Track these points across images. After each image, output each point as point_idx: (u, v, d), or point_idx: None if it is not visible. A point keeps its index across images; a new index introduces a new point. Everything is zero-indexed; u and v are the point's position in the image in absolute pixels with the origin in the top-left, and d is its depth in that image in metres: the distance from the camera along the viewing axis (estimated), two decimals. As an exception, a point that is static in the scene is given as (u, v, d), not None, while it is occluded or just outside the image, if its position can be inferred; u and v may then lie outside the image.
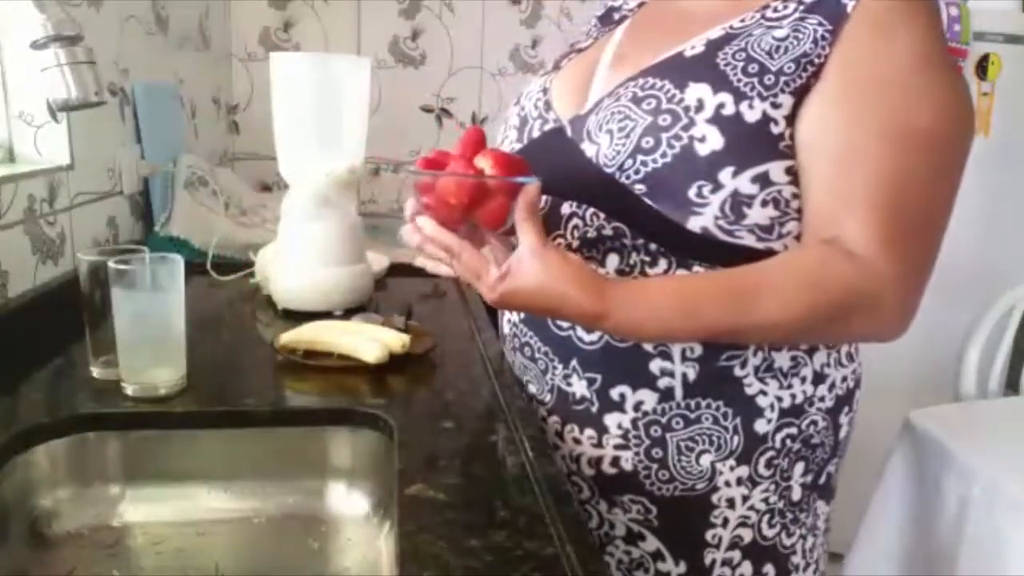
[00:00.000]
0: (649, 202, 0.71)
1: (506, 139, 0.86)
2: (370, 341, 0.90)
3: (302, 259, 1.11)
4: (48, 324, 0.96)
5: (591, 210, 0.75)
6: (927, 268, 0.69)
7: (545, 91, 0.83)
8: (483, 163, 0.69)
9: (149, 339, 0.80)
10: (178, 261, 0.80)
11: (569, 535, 0.58)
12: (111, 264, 0.78)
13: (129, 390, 0.80)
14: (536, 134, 0.81)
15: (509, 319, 0.87)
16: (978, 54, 1.95)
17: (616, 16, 0.90)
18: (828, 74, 0.67)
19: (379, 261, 1.34)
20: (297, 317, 1.07)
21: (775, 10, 0.70)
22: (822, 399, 0.77)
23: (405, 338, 0.92)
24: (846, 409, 0.80)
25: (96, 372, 0.85)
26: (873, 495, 1.64)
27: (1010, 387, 1.98)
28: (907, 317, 0.69)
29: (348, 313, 1.09)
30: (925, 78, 0.66)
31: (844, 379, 0.79)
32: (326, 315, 1.08)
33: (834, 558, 1.99)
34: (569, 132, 0.77)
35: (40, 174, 1.07)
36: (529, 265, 0.66)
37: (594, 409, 0.77)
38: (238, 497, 0.81)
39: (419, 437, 0.74)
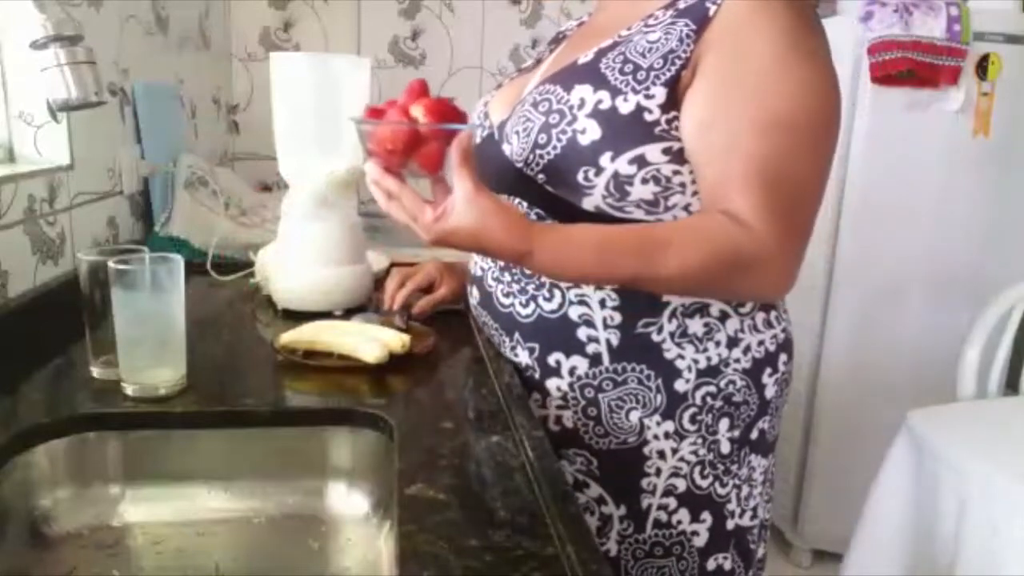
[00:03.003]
0: (550, 189, 0.83)
1: None
2: (370, 341, 0.90)
3: (302, 259, 1.11)
4: (48, 324, 0.96)
5: (517, 200, 0.87)
6: (803, 235, 0.78)
7: (486, 103, 0.97)
8: (416, 111, 0.75)
9: (149, 339, 0.80)
10: (178, 261, 0.80)
11: (569, 535, 0.58)
12: (111, 264, 0.78)
13: (129, 390, 0.80)
14: (478, 140, 0.93)
15: (471, 303, 0.98)
16: (978, 54, 1.94)
17: (560, 36, 1.03)
18: (702, 73, 0.77)
19: (379, 261, 1.34)
20: (297, 317, 1.07)
21: (655, 18, 0.81)
22: (738, 361, 0.85)
23: (405, 338, 0.92)
24: (768, 370, 0.87)
25: (96, 372, 0.85)
26: (871, 494, 1.64)
27: (1009, 387, 1.98)
28: (788, 278, 0.78)
29: (348, 313, 1.09)
30: (780, 71, 0.75)
31: (761, 343, 0.87)
32: (326, 315, 1.08)
33: (834, 558, 2.00)
34: (496, 136, 0.89)
35: (40, 174, 1.07)
36: (463, 208, 0.73)
37: (536, 375, 0.88)
38: (238, 497, 0.81)
39: (419, 437, 0.74)
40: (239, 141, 2.26)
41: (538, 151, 0.82)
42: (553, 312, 0.86)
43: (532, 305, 0.87)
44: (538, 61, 0.99)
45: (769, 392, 0.88)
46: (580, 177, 0.80)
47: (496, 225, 0.73)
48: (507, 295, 0.89)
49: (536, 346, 0.87)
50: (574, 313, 0.85)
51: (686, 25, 0.78)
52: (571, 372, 0.86)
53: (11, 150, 1.13)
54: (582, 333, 0.85)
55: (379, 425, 0.79)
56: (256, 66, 2.23)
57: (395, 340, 0.91)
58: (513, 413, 0.79)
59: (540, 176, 0.83)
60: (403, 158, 0.75)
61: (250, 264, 1.22)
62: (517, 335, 0.89)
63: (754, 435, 0.88)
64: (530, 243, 0.74)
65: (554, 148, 0.80)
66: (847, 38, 1.94)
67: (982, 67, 1.95)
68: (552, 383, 0.87)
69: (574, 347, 0.85)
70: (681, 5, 0.80)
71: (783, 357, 0.89)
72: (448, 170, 0.76)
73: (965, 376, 1.75)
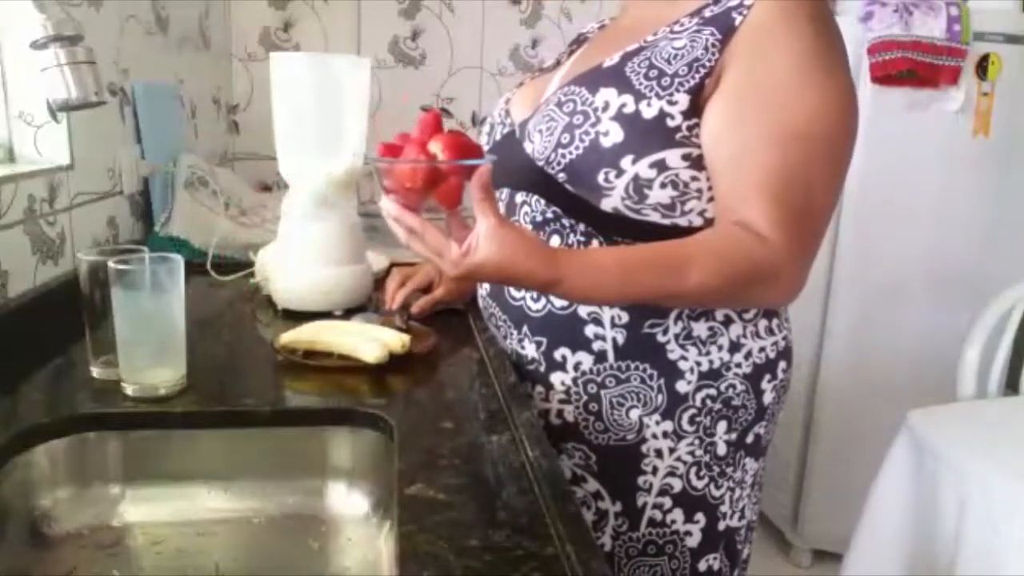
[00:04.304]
0: (570, 188, 0.84)
1: (481, 143, 0.98)
2: (370, 341, 0.90)
3: (302, 259, 1.11)
4: (48, 324, 0.96)
5: (535, 197, 0.88)
6: (814, 245, 0.79)
7: (507, 101, 0.98)
8: (435, 148, 0.74)
9: (149, 339, 0.80)
10: (178, 261, 0.80)
11: (569, 535, 0.58)
12: (111, 264, 0.78)
13: (129, 390, 0.80)
14: (498, 138, 0.95)
15: (480, 293, 0.99)
16: (978, 54, 1.94)
17: (581, 38, 1.05)
18: (723, 83, 0.78)
19: (379, 261, 1.34)
20: (297, 317, 1.07)
21: (681, 25, 0.82)
22: (739, 365, 0.87)
23: (405, 338, 0.92)
24: (768, 377, 0.89)
25: (96, 372, 0.85)
26: (871, 494, 1.64)
27: (1009, 387, 1.98)
28: (798, 287, 0.79)
29: (348, 313, 1.09)
30: (799, 84, 0.77)
31: (762, 349, 0.88)
32: (326, 315, 1.08)
33: (834, 558, 2.00)
34: (517, 134, 0.91)
35: (40, 174, 1.07)
36: (489, 243, 0.72)
37: (542, 368, 0.89)
38: (238, 497, 0.81)
39: (419, 437, 0.74)
40: (239, 141, 2.26)
41: (560, 150, 0.83)
42: (563, 308, 0.87)
43: (543, 300, 0.88)
44: (558, 62, 1.01)
45: (767, 398, 0.89)
46: (600, 178, 0.81)
47: (522, 256, 0.72)
48: (519, 288, 0.90)
49: (544, 340, 0.89)
50: (583, 311, 0.86)
51: (712, 34, 0.79)
52: (576, 367, 0.87)
53: (11, 150, 1.13)
54: (590, 330, 0.86)
55: (379, 425, 0.79)
56: (256, 66, 2.23)
57: (395, 340, 0.91)
58: (513, 413, 0.79)
59: (561, 175, 0.84)
60: (422, 195, 0.75)
61: (250, 264, 1.22)
62: (525, 328, 0.90)
63: (749, 439, 0.90)
64: (559, 271, 0.73)
65: (576, 148, 0.82)
66: (847, 38, 1.93)
67: (982, 67, 1.96)
68: (556, 377, 0.88)
69: (581, 343, 0.86)
70: (707, 14, 0.81)
71: (782, 364, 0.91)
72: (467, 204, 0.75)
73: (965, 376, 1.75)
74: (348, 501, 0.81)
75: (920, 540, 1.54)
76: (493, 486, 0.67)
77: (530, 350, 0.90)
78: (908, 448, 1.59)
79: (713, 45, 0.78)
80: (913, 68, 1.91)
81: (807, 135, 0.76)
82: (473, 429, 0.77)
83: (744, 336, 0.87)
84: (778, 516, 2.30)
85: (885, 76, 1.92)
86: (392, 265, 1.35)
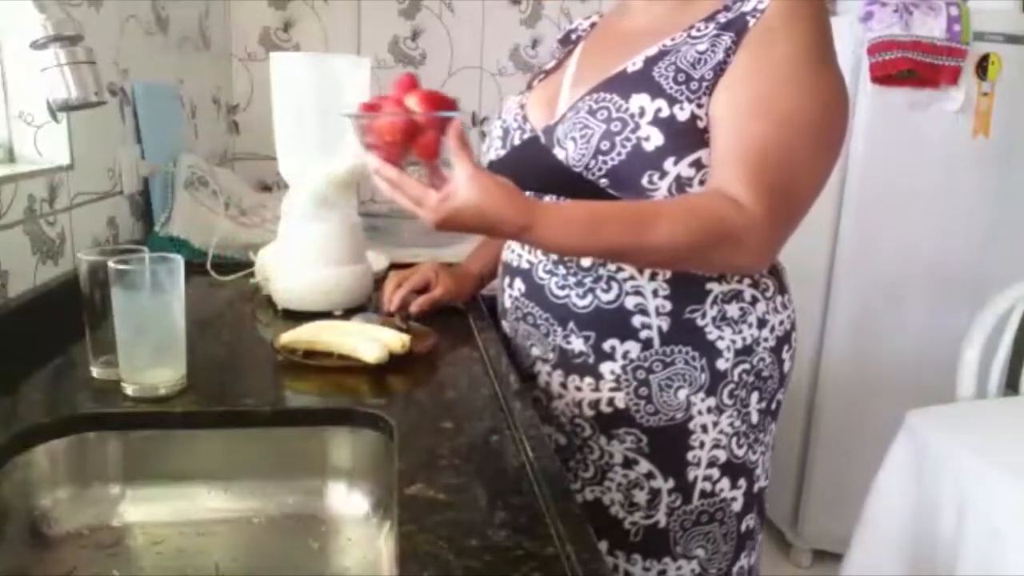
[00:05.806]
0: (612, 192, 0.87)
1: (492, 147, 1.01)
2: (370, 341, 0.90)
3: (302, 259, 1.11)
4: (48, 324, 0.96)
5: (567, 201, 0.89)
6: (787, 218, 0.83)
7: (522, 106, 1.00)
8: (411, 102, 0.77)
9: (149, 339, 0.80)
10: (178, 261, 0.80)
11: (569, 535, 0.58)
12: (111, 264, 0.78)
13: (129, 390, 0.80)
14: (517, 142, 0.97)
15: (510, 294, 0.99)
16: (978, 54, 1.94)
17: (573, 37, 1.09)
18: (727, 74, 0.84)
19: (379, 261, 1.34)
20: (297, 317, 1.07)
21: (698, 30, 0.87)
22: (766, 340, 0.93)
23: (405, 338, 0.92)
24: (786, 347, 0.97)
25: (96, 372, 0.85)
26: (871, 494, 1.64)
27: (1009, 387, 1.98)
28: (766, 254, 0.84)
29: (348, 313, 1.10)
30: (791, 74, 0.82)
31: (781, 323, 0.95)
32: (326, 315, 1.08)
33: (834, 558, 1.99)
34: (543, 140, 0.92)
35: (40, 174, 1.07)
36: (467, 188, 0.76)
37: (591, 360, 0.93)
38: (238, 497, 0.81)
39: (419, 437, 0.74)
40: (239, 141, 2.26)
41: (600, 157, 0.86)
42: (610, 303, 0.90)
43: (590, 297, 0.91)
44: (558, 63, 1.04)
45: (786, 366, 0.97)
46: (645, 181, 0.85)
47: (499, 201, 0.76)
48: (562, 287, 0.92)
49: (592, 334, 0.92)
50: (630, 303, 0.90)
51: (730, 37, 0.84)
52: (624, 355, 0.91)
53: (11, 150, 1.13)
54: (636, 320, 0.90)
55: (379, 425, 0.79)
56: (256, 66, 2.23)
57: (395, 340, 0.91)
58: (513, 413, 0.79)
59: (603, 180, 0.87)
60: (402, 148, 0.78)
61: (250, 264, 1.22)
62: (572, 324, 0.93)
63: (774, 405, 0.97)
64: (532, 217, 0.77)
65: (619, 154, 0.85)
66: (847, 38, 1.94)
67: (982, 67, 1.95)
68: (606, 367, 0.92)
69: (629, 333, 0.90)
70: (722, 19, 0.85)
71: (794, 334, 0.98)
72: (445, 156, 0.78)
73: (965, 376, 1.75)
74: (348, 501, 0.81)
75: (920, 540, 1.54)
76: (493, 486, 0.67)
77: (577, 344, 0.93)
78: (908, 448, 1.59)
79: (730, 47, 0.84)
80: (913, 68, 1.91)
81: (791, 120, 0.81)
82: (473, 429, 0.77)
83: (768, 313, 0.93)
84: (778, 516, 2.30)
85: (885, 76, 1.92)
86: (392, 266, 1.35)
